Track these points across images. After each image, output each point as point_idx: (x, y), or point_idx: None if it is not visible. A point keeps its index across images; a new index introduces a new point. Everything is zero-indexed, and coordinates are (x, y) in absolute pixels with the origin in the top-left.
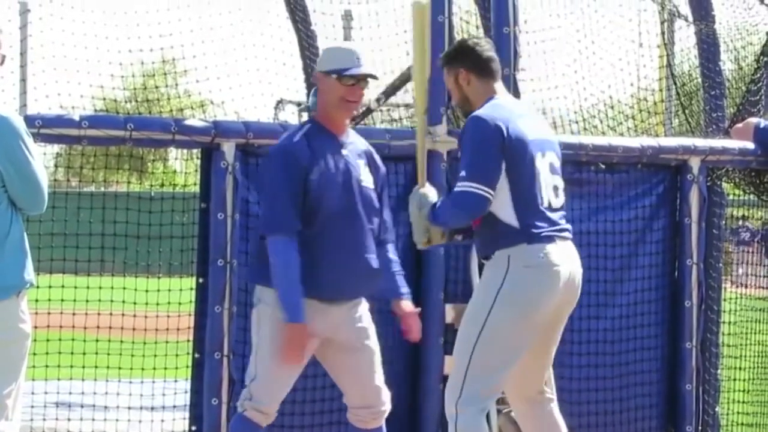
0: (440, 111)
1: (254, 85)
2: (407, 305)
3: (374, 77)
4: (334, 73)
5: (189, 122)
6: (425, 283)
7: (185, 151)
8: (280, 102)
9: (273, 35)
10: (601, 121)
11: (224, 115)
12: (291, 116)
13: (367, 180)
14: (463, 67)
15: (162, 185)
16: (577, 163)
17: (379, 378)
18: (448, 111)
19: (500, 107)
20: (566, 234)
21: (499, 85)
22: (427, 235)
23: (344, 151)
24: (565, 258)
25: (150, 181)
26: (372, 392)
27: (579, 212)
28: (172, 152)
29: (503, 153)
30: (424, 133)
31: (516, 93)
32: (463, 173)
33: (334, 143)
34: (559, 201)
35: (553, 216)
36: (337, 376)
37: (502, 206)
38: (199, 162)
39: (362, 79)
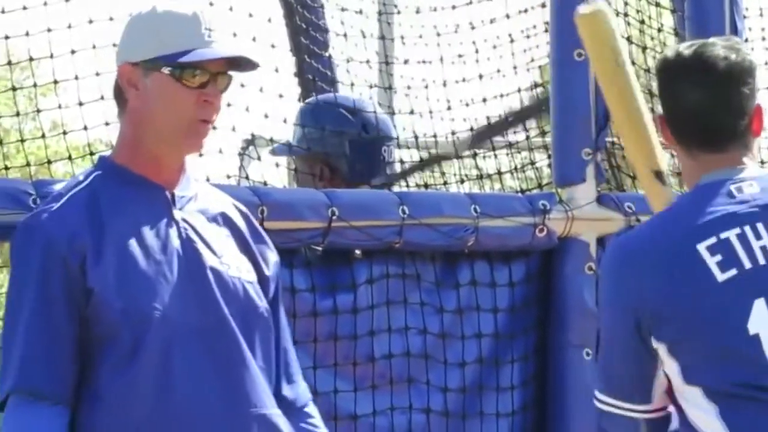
0: (582, 156)
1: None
2: None
3: (254, 66)
4: (165, 62)
5: None
6: None
7: None
8: (250, 142)
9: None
10: None
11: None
12: (269, 169)
13: (236, 266)
14: None
15: None
16: None
17: None
18: (600, 156)
19: (681, 211)
20: None
21: (730, 156)
22: None
23: (178, 215)
24: None
25: None
26: None
27: None
28: None
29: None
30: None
31: None
32: (599, 379)
33: (156, 202)
34: None
35: None
36: None
37: (700, 419)
38: None
39: (220, 71)
